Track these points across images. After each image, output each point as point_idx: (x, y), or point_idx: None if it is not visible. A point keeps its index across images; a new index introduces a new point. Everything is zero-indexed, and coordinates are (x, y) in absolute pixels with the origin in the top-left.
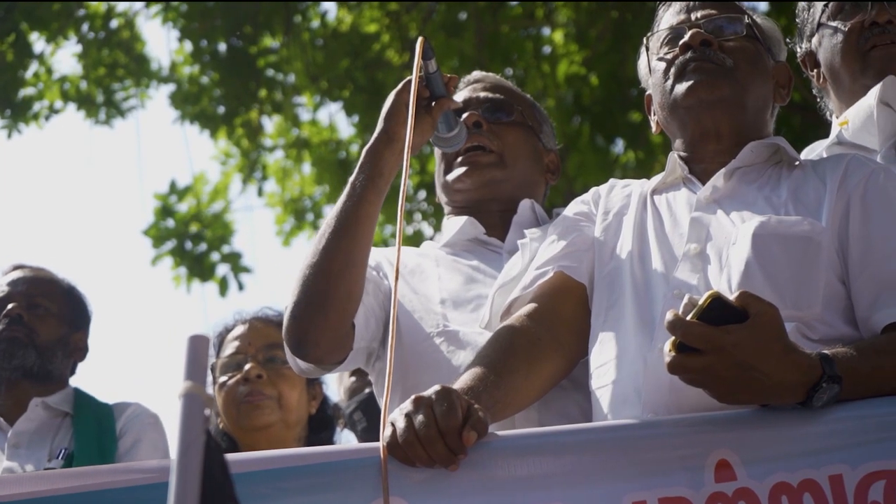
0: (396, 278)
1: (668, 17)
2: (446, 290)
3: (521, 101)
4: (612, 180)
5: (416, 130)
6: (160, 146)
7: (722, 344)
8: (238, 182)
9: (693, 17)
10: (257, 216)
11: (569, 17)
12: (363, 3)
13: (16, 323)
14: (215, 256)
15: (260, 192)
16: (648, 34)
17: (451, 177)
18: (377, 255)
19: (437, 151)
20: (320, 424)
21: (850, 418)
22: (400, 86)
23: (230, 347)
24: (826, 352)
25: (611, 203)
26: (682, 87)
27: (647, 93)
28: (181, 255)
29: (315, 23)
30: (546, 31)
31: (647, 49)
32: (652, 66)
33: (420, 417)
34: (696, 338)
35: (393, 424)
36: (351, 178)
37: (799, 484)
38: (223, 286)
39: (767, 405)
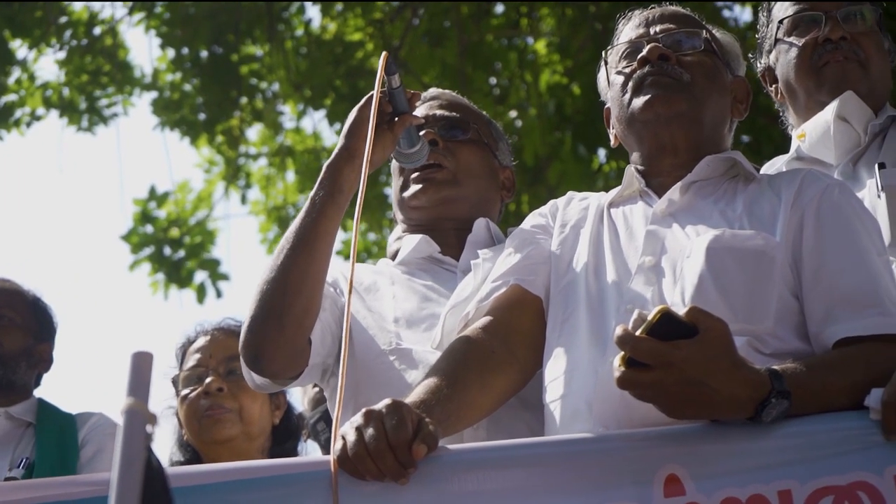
0: (350, 293)
1: (627, 31)
2: (400, 308)
3: (476, 118)
4: (570, 193)
5: (378, 146)
6: (141, 153)
7: (670, 359)
8: (221, 190)
9: (652, 31)
10: (242, 224)
11: (552, 26)
12: (347, 11)
13: None
14: (194, 263)
15: (243, 200)
16: (608, 48)
17: (406, 193)
18: (334, 272)
19: (395, 167)
20: (284, 435)
21: (800, 433)
22: (363, 101)
23: (192, 360)
24: (775, 367)
25: (568, 216)
26: (639, 102)
27: (606, 106)
28: (159, 261)
29: (299, 31)
30: (529, 40)
31: (606, 63)
32: (610, 79)
33: (370, 431)
34: (644, 353)
35: (343, 438)
36: (311, 194)
37: (748, 499)
38: (201, 293)
39: (717, 420)
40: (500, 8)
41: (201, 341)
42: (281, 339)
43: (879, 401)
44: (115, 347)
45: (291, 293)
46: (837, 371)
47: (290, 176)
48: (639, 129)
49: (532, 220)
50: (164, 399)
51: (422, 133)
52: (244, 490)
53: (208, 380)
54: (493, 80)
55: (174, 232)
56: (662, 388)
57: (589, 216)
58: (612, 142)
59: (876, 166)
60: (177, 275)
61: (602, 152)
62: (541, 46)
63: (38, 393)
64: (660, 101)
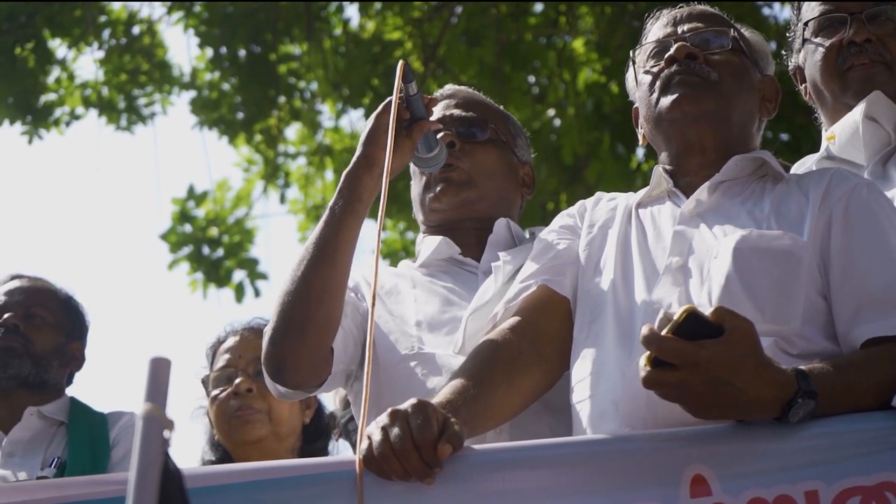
0: (373, 303)
1: (655, 30)
2: (422, 312)
3: (494, 116)
4: (598, 193)
5: (396, 154)
6: (179, 152)
7: (696, 359)
8: (260, 189)
9: (679, 30)
10: (280, 223)
11: (590, 25)
12: (386, 10)
13: (11, 332)
14: (233, 263)
15: (282, 199)
16: (636, 47)
17: (427, 196)
18: (355, 276)
19: (414, 170)
20: (315, 434)
21: (827, 434)
22: (380, 108)
23: (221, 360)
24: (802, 367)
25: (596, 216)
26: (666, 101)
27: (635, 105)
28: (198, 260)
29: (337, 30)
30: (567, 38)
31: (634, 62)
32: (638, 79)
33: (396, 430)
34: (670, 352)
35: (369, 437)
36: (330, 203)
37: (774, 500)
38: (239, 292)
39: (743, 420)
40: (538, 7)
41: (231, 341)
42: (303, 351)
43: None
44: (155, 346)
45: (313, 304)
46: (864, 371)
47: (329, 175)
48: (666, 129)
49: (560, 220)
50: (195, 399)
51: (440, 135)
52: (269, 490)
53: (237, 380)
54: (531, 79)
55: (213, 231)
56: (688, 387)
57: (617, 217)
58: (641, 141)
59: None
60: (215, 274)
61: (640, 151)
62: (579, 45)
63: (70, 392)
64: (687, 100)
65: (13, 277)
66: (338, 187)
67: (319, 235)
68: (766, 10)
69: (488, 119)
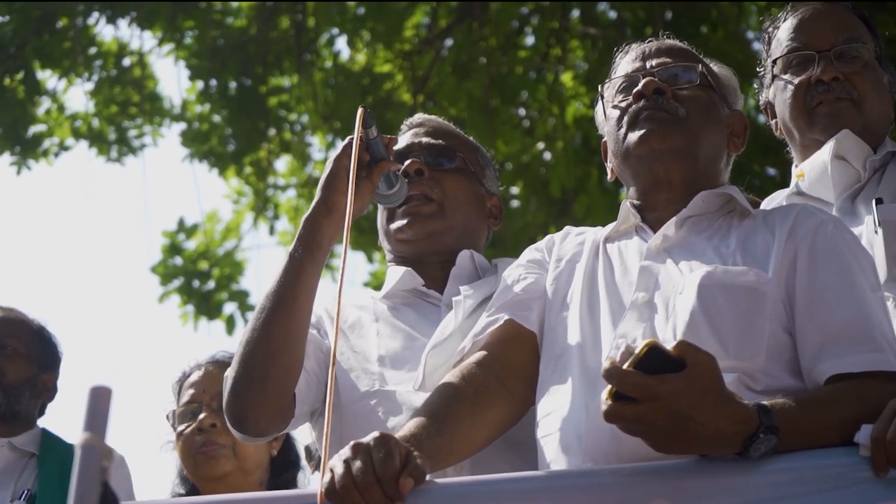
0: (336, 338)
1: (623, 65)
2: (384, 346)
3: (463, 145)
4: (567, 227)
5: (357, 196)
6: (169, 184)
7: (657, 393)
8: (250, 221)
9: (648, 64)
10: (271, 255)
11: (580, 58)
12: (375, 42)
13: None
14: (223, 295)
15: (272, 231)
16: (604, 81)
17: (393, 226)
18: (317, 310)
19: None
20: (282, 467)
21: (790, 469)
22: (339, 151)
23: (186, 395)
24: (764, 402)
25: (564, 250)
26: (634, 136)
27: (603, 140)
28: (188, 292)
29: (328, 63)
30: (557, 71)
31: (603, 97)
32: (607, 113)
33: (358, 464)
34: (631, 387)
35: (331, 470)
36: (289, 249)
37: None
38: (230, 324)
39: (706, 455)
40: (529, 40)
41: (195, 376)
42: (264, 402)
43: (869, 437)
44: (146, 378)
45: (273, 355)
46: (827, 407)
47: None
48: (634, 164)
49: (528, 254)
50: (164, 434)
51: (407, 163)
52: None
53: (201, 416)
54: (521, 112)
55: (203, 263)
56: (649, 422)
57: (585, 251)
58: (609, 176)
59: (874, 202)
60: (206, 306)
61: None
62: (567, 78)
63: (43, 423)
64: (655, 136)
65: None
66: (297, 233)
67: (279, 283)
68: (756, 45)
69: (457, 148)
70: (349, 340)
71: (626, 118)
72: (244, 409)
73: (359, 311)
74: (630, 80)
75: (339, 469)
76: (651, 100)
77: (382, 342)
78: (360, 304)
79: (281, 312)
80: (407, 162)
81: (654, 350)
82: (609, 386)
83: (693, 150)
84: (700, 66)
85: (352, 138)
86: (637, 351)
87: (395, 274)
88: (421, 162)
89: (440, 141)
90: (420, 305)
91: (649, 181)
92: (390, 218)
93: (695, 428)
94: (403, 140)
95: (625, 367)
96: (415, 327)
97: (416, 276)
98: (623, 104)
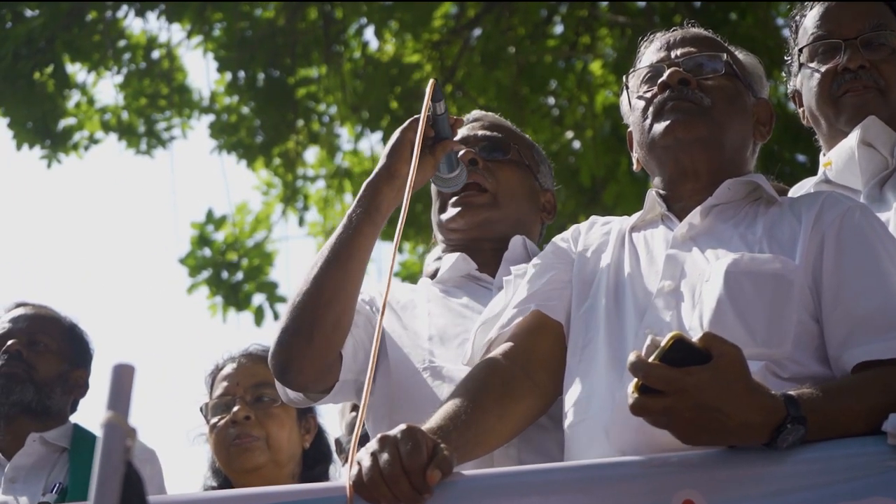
0: (383, 312)
1: (648, 55)
2: (435, 326)
3: (518, 140)
4: (593, 217)
5: (419, 170)
6: (198, 176)
7: (683, 386)
8: (279, 212)
9: (673, 54)
10: (300, 246)
11: (609, 46)
12: (404, 32)
13: (15, 359)
14: (252, 286)
15: (301, 222)
16: (629, 71)
17: (445, 216)
18: (372, 290)
19: (434, 189)
20: (315, 459)
21: (817, 459)
22: (406, 123)
23: (220, 388)
24: (791, 393)
25: (590, 240)
26: (659, 127)
27: (629, 129)
28: (217, 284)
29: (356, 53)
30: (586, 60)
31: (627, 87)
32: (632, 103)
33: (385, 456)
34: (657, 379)
35: (359, 463)
36: (349, 211)
37: None
38: (259, 316)
39: (733, 446)
40: (557, 29)
41: (228, 368)
42: (309, 352)
43: None
44: (176, 371)
45: (322, 307)
46: (855, 396)
47: (348, 198)
48: (659, 154)
49: (554, 245)
50: (196, 426)
51: (462, 153)
52: None
53: (235, 408)
54: (550, 101)
55: (232, 255)
56: (675, 414)
57: (610, 241)
58: (635, 166)
59: None
60: (235, 297)
61: None
62: (596, 67)
63: (77, 418)
64: (680, 126)
65: (18, 305)
66: (357, 196)
67: (335, 241)
68: (786, 32)
69: (512, 141)
70: (402, 319)
71: (651, 109)
72: (289, 358)
73: (412, 294)
74: (655, 70)
75: (367, 462)
76: (676, 90)
77: (433, 321)
78: (414, 288)
79: (333, 268)
80: (462, 152)
81: (679, 342)
82: (635, 379)
83: (718, 139)
84: (725, 54)
85: (418, 117)
86: (663, 343)
87: (449, 260)
88: (476, 153)
89: (496, 133)
90: (472, 288)
91: (675, 171)
92: (442, 208)
93: (722, 419)
94: (460, 133)
95: (650, 359)
96: (466, 307)
97: (469, 261)
98: (648, 94)
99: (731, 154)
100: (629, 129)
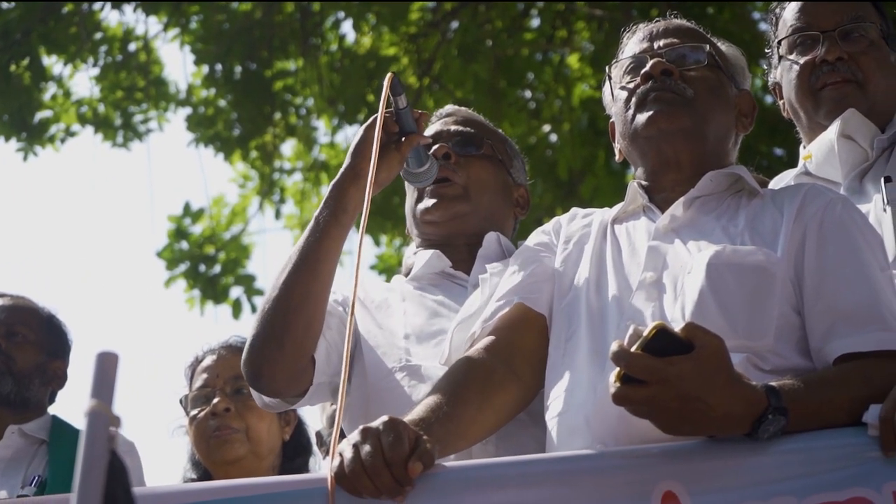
0: (352, 312)
1: (631, 45)
2: (410, 324)
3: (491, 134)
4: (573, 209)
5: (384, 166)
6: (175, 168)
7: (665, 375)
8: (256, 205)
9: (656, 45)
10: (277, 239)
11: (586, 39)
12: (381, 26)
13: None
14: (229, 279)
15: (278, 215)
16: (612, 62)
17: (420, 206)
18: (344, 290)
19: (407, 185)
20: (295, 451)
21: (799, 450)
22: (369, 121)
23: (199, 380)
24: (773, 384)
25: (571, 232)
26: (642, 118)
27: (611, 120)
28: (195, 277)
29: (333, 46)
30: (563, 53)
31: (610, 77)
32: (614, 94)
33: (367, 448)
34: (639, 369)
35: (341, 454)
36: (315, 213)
37: None
38: (236, 308)
39: (715, 436)
40: (534, 22)
41: (208, 360)
42: (281, 359)
43: (877, 417)
44: (153, 364)
45: (292, 312)
46: (836, 387)
47: (325, 191)
48: (642, 145)
49: (535, 237)
50: (176, 418)
51: (435, 147)
52: None
53: (215, 400)
54: (527, 94)
55: (209, 248)
56: (658, 404)
57: (592, 232)
58: (617, 157)
59: (882, 180)
60: (212, 290)
61: None
62: (573, 60)
63: (54, 410)
64: (663, 117)
65: None
66: (324, 198)
67: (303, 245)
68: (763, 26)
69: (485, 136)
70: (376, 318)
71: (634, 99)
72: (261, 365)
73: (387, 293)
74: (637, 60)
75: (349, 453)
76: (659, 81)
77: (409, 319)
78: (388, 286)
79: (303, 272)
80: (435, 147)
81: (662, 332)
82: (617, 368)
83: (701, 130)
84: (708, 45)
85: (386, 112)
86: (645, 333)
87: (423, 257)
88: (449, 147)
89: (469, 129)
90: (447, 286)
91: (657, 162)
92: (417, 201)
93: (704, 410)
94: (432, 128)
95: (633, 349)
96: (441, 305)
97: (443, 258)
98: (631, 85)
99: (714, 145)
100: (611, 121)
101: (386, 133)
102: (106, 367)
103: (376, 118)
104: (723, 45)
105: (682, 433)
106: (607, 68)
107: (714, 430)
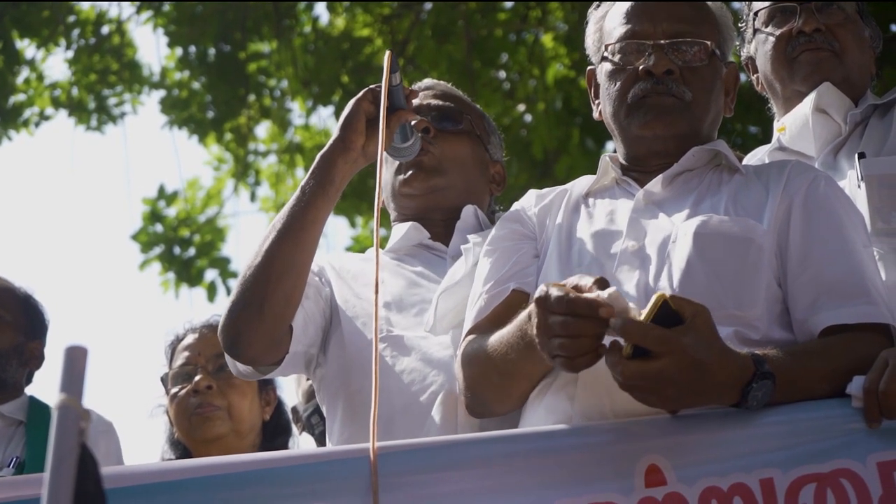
0: (377, 291)
1: (629, 15)
2: (390, 293)
3: (470, 110)
4: (531, 191)
5: (373, 140)
6: (150, 151)
7: (680, 345)
8: (231, 187)
9: (658, 29)
10: (252, 221)
11: (559, 19)
12: (355, 7)
13: None
14: (204, 262)
15: (253, 197)
16: (604, 11)
17: (398, 178)
18: (321, 261)
19: (386, 157)
20: (275, 431)
21: (782, 422)
22: (360, 94)
23: (181, 358)
24: (757, 352)
25: (543, 212)
26: (639, 118)
27: (590, 68)
28: (169, 260)
29: (307, 28)
30: (537, 33)
31: (602, 31)
32: (605, 67)
33: (556, 319)
34: (654, 340)
35: (548, 353)
36: (301, 183)
37: (729, 488)
38: (211, 291)
39: (699, 409)
40: (508, 3)
41: (190, 339)
42: (260, 325)
43: (861, 388)
44: (128, 347)
45: (274, 280)
46: (819, 358)
47: (300, 173)
48: (633, 139)
49: (508, 224)
50: (154, 398)
51: (414, 122)
52: (275, 483)
53: (197, 377)
54: (501, 75)
55: (184, 230)
56: (667, 377)
57: (562, 208)
58: (596, 115)
59: (856, 156)
60: (187, 273)
61: (610, 145)
62: (547, 40)
63: (30, 391)
64: (660, 124)
65: None
66: (311, 168)
67: (287, 213)
68: (736, 4)
69: (464, 111)
70: (353, 288)
71: (630, 94)
72: (239, 331)
73: (363, 263)
74: (638, 46)
75: (555, 344)
76: (661, 82)
77: (388, 289)
78: (364, 257)
79: (285, 241)
80: (413, 122)
81: (665, 304)
82: (624, 343)
83: (697, 131)
84: (710, 42)
85: (376, 86)
86: (650, 305)
87: (400, 230)
88: (427, 120)
89: (447, 103)
90: (426, 257)
91: (646, 154)
92: (395, 172)
93: (706, 379)
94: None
95: (642, 319)
96: (420, 276)
97: (421, 230)
98: (628, 69)
99: (704, 135)
100: (590, 68)
101: (375, 108)
102: (75, 360)
103: (367, 92)
104: (713, 5)
105: (681, 406)
106: (598, 13)
107: (710, 399)
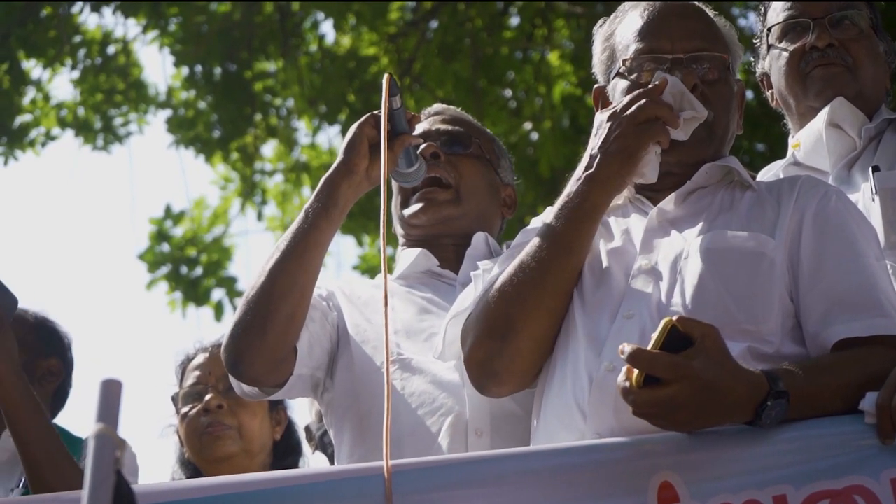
0: (386, 304)
1: (646, 26)
2: (400, 320)
3: (479, 134)
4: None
5: (377, 164)
6: (156, 171)
7: (690, 371)
8: (237, 207)
9: (678, 47)
10: (258, 240)
11: (565, 37)
12: (361, 26)
13: None
14: (211, 281)
15: (260, 216)
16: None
17: (407, 212)
18: (331, 286)
19: (394, 184)
20: (285, 451)
21: (795, 438)
22: (363, 119)
23: (191, 377)
24: (769, 369)
25: None
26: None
27: (596, 86)
28: (176, 279)
29: (313, 46)
30: (543, 52)
31: (614, 39)
32: (620, 85)
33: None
34: (663, 367)
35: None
36: (306, 205)
37: None
38: (218, 311)
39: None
40: (514, 21)
41: (200, 358)
42: (262, 346)
43: (874, 404)
44: (136, 367)
45: (277, 300)
46: (832, 373)
47: (307, 191)
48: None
49: (524, 237)
50: (164, 418)
51: (423, 146)
52: (289, 501)
53: (208, 397)
54: (508, 93)
55: (190, 250)
56: (678, 401)
57: None
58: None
59: (870, 169)
60: (194, 293)
61: None
62: (554, 58)
63: (61, 415)
64: (685, 153)
65: None
66: (315, 192)
67: (291, 235)
68: (742, 22)
69: (473, 135)
70: (364, 314)
71: None
72: (241, 351)
73: (373, 290)
74: (657, 60)
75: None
76: None
77: (397, 315)
78: (375, 283)
79: (289, 262)
80: (423, 146)
81: (674, 329)
82: (634, 372)
83: (717, 153)
84: (727, 56)
85: (378, 111)
86: (657, 332)
87: (409, 256)
88: (437, 146)
89: (457, 128)
90: (435, 285)
91: (661, 175)
92: (404, 203)
93: (719, 399)
94: (420, 127)
95: (650, 348)
96: (430, 303)
97: (430, 257)
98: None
99: (720, 150)
100: (596, 87)
101: (378, 132)
102: (110, 393)
103: (370, 117)
104: (717, 20)
105: (696, 428)
106: (604, 22)
107: (724, 419)
